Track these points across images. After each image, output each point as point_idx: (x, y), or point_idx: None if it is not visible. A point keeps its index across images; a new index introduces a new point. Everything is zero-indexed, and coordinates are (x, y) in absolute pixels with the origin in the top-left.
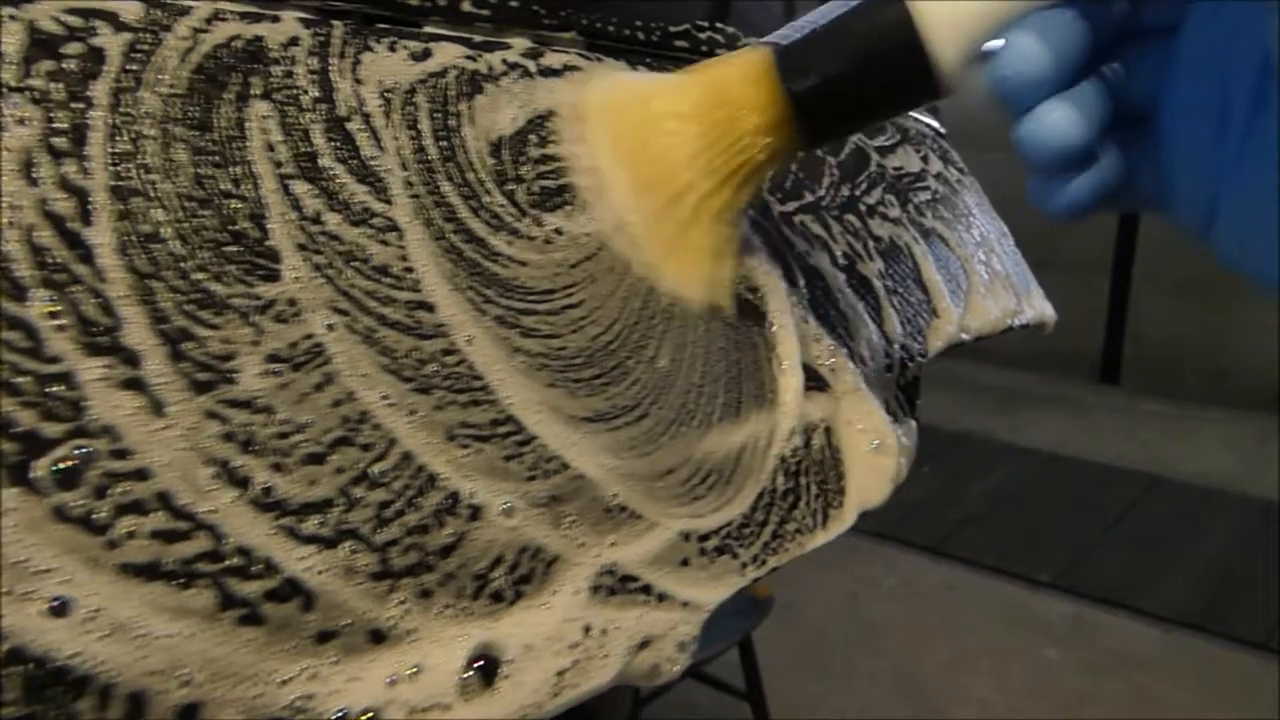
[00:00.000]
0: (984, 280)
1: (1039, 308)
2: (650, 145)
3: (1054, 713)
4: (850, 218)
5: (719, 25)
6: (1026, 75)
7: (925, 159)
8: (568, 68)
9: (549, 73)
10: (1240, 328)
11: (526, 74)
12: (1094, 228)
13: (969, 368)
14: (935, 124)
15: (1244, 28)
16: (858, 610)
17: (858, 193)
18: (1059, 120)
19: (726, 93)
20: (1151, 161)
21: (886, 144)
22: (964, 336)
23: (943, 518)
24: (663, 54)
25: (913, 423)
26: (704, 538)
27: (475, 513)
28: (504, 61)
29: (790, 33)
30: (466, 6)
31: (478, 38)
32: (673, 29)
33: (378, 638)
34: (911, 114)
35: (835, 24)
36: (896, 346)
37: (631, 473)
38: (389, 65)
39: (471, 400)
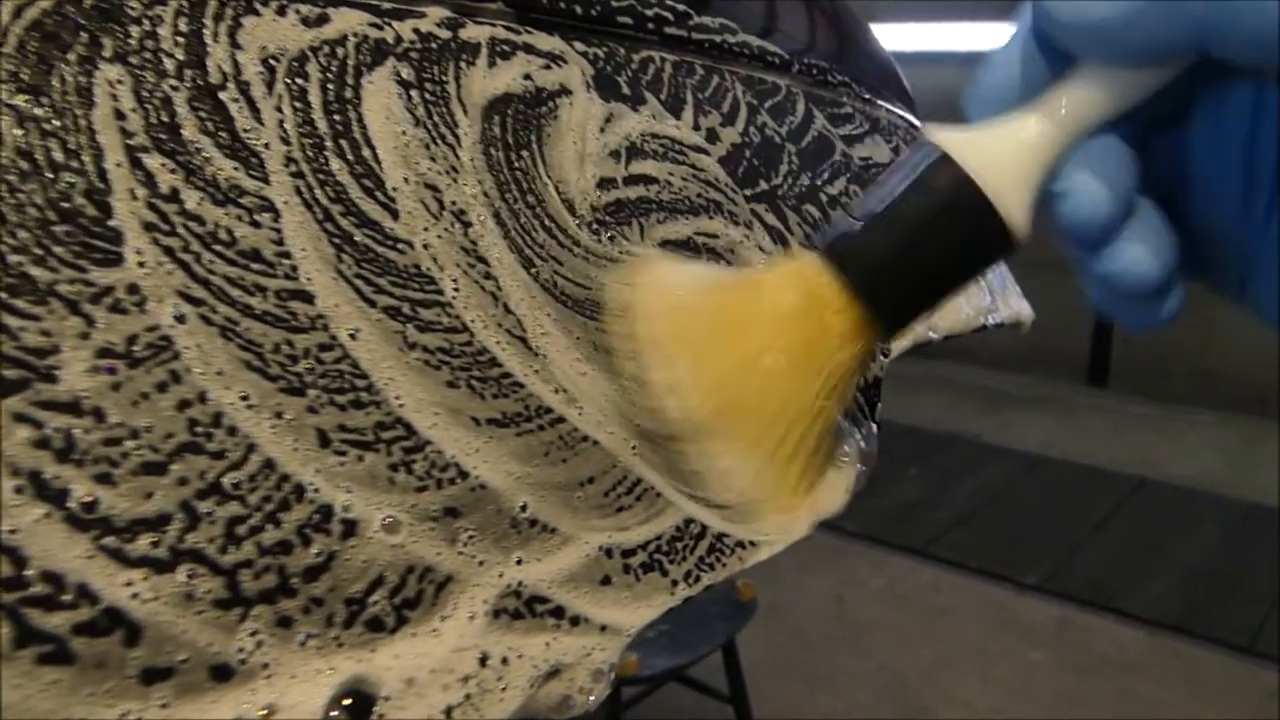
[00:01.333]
0: None
1: (1015, 306)
2: (747, 386)
3: (1039, 714)
4: (809, 208)
5: (669, 1)
6: (1103, 216)
7: (897, 150)
8: (495, 43)
9: (467, 48)
10: (1227, 330)
11: (444, 46)
12: None
13: (957, 369)
14: (910, 116)
15: (1256, 109)
16: (843, 612)
17: (819, 182)
18: (1145, 250)
19: (809, 307)
20: (1181, 237)
21: (854, 133)
22: (932, 335)
23: (930, 519)
24: (603, 30)
25: (873, 426)
26: (629, 553)
27: (350, 528)
28: (416, 32)
29: (846, 229)
30: None
31: (387, 4)
32: (615, 3)
33: (222, 674)
34: (884, 104)
35: (891, 212)
36: None
37: (545, 481)
38: (276, 30)
39: (353, 401)
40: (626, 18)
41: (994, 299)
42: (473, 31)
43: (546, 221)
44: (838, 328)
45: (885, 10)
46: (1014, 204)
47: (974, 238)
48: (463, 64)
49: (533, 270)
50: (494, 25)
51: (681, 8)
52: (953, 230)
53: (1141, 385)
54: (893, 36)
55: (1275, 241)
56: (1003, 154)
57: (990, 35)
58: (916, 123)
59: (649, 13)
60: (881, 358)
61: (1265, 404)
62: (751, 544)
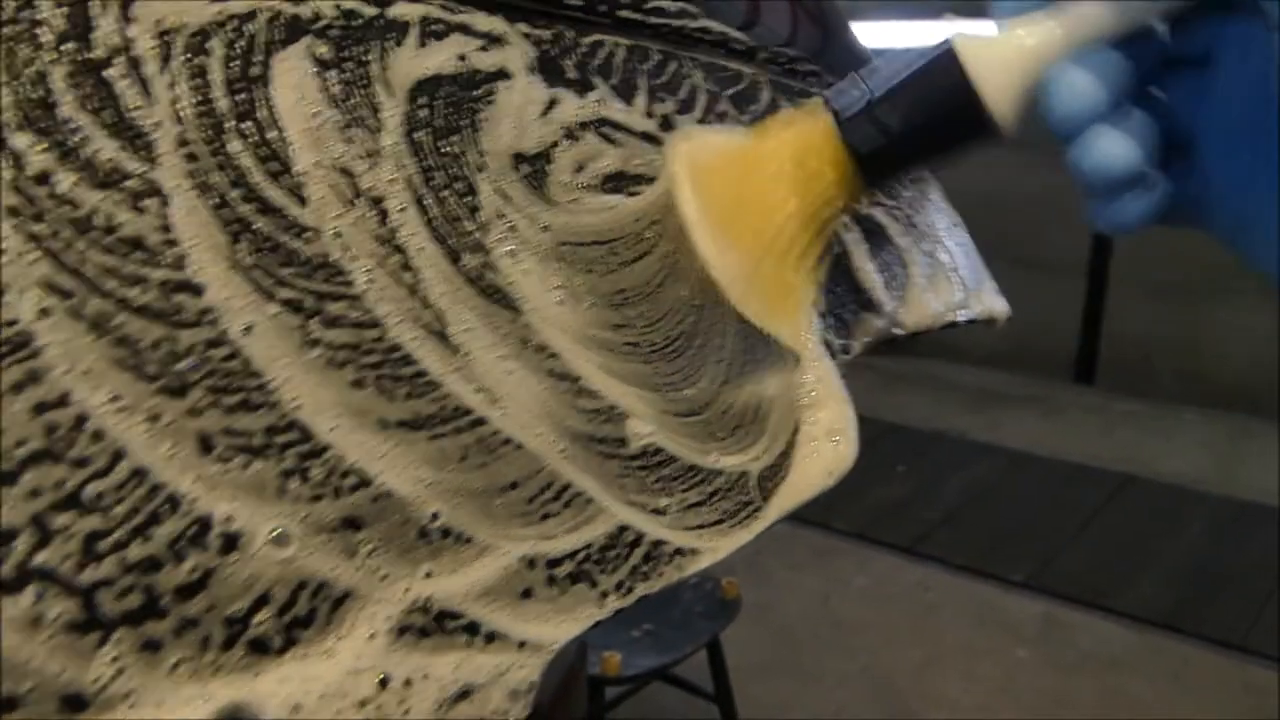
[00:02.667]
0: (924, 272)
1: (988, 303)
2: (751, 200)
3: (1025, 713)
4: None
5: None
6: (1078, 108)
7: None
8: (427, 22)
9: (395, 26)
10: (1214, 328)
11: (368, 24)
12: (1071, 229)
13: (944, 367)
14: None
15: (1272, 55)
16: (830, 611)
17: None
18: (1110, 147)
19: (807, 151)
20: (1195, 184)
21: None
22: (896, 331)
23: (917, 517)
24: (551, 12)
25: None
26: (554, 563)
27: (232, 542)
28: (337, 7)
29: (854, 93)
30: None
31: None
32: None
33: (75, 705)
34: None
35: (898, 88)
36: (818, 338)
37: (460, 488)
38: (176, 3)
39: (242, 403)
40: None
41: (966, 294)
42: (403, 9)
43: (476, 210)
44: (832, 175)
45: (869, 9)
46: (1001, 100)
47: (963, 125)
48: (389, 43)
49: (458, 262)
50: (428, 3)
51: None
52: (946, 116)
53: (1128, 383)
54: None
55: None
56: (1002, 55)
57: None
58: None
59: None
60: (841, 355)
61: (1253, 402)
62: (692, 551)
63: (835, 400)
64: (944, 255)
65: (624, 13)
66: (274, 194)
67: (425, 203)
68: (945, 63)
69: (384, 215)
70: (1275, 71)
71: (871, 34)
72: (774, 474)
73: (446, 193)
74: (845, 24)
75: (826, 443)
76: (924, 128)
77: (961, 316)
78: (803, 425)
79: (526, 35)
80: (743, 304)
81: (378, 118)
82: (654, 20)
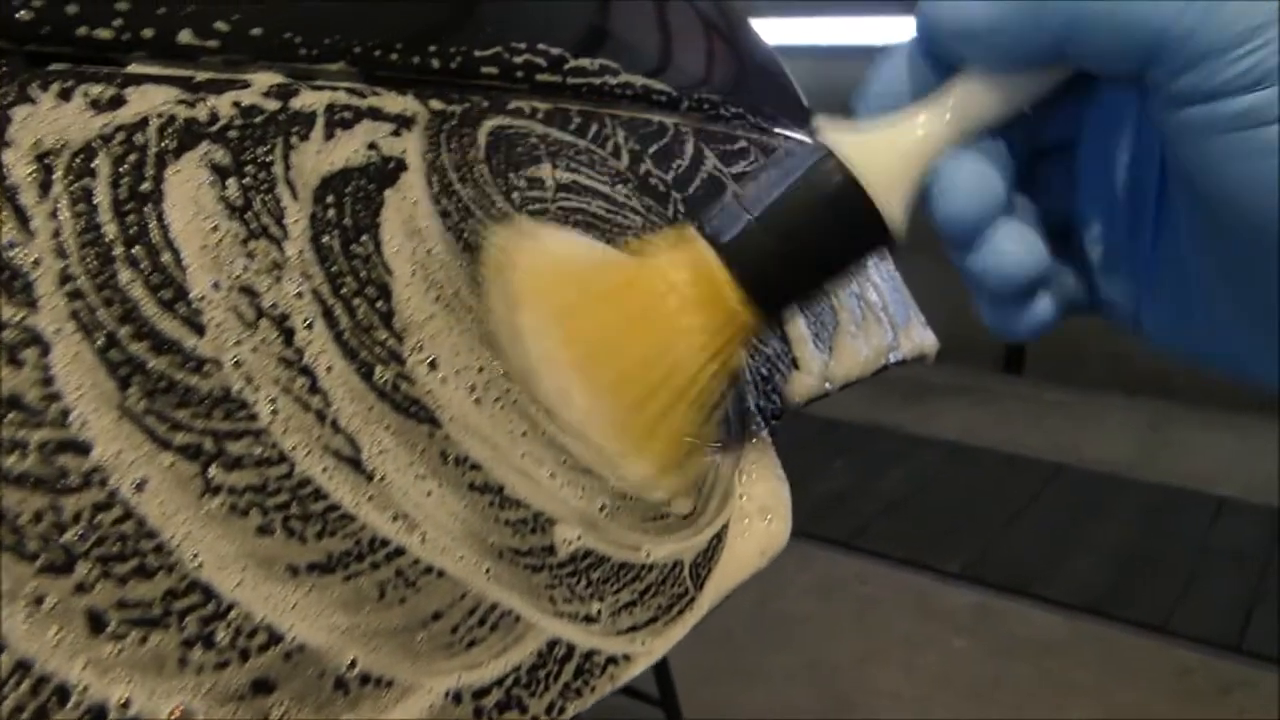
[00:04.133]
0: (855, 317)
1: (918, 339)
2: (626, 344)
3: (963, 700)
4: None
5: (541, 46)
6: (969, 211)
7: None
8: (334, 110)
9: (300, 119)
10: None
11: (270, 120)
12: None
13: None
14: (805, 138)
15: (1136, 135)
16: (772, 608)
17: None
18: (1016, 247)
19: (687, 288)
20: (1075, 273)
21: (747, 169)
22: (828, 387)
23: (857, 511)
24: (466, 83)
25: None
26: (481, 693)
27: None
28: (236, 105)
29: (732, 216)
30: (186, 38)
31: (201, 76)
32: (479, 52)
33: None
34: (781, 130)
35: (779, 204)
36: (750, 406)
37: (379, 629)
38: (56, 120)
39: (136, 569)
40: (492, 68)
41: (895, 334)
42: (307, 99)
43: (390, 316)
44: (715, 310)
45: (796, 7)
46: (893, 202)
47: (854, 233)
48: (294, 139)
49: (372, 377)
50: (334, 89)
51: (556, 52)
52: (834, 226)
53: (1056, 372)
54: (800, 31)
55: (1164, 263)
56: (886, 153)
57: (896, 30)
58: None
59: (518, 60)
60: (773, 420)
61: (1172, 388)
62: (625, 658)
63: (768, 476)
64: (872, 294)
65: (543, 76)
66: (168, 326)
67: (335, 315)
68: (827, 168)
69: (289, 335)
70: (1138, 147)
71: (798, 31)
72: (707, 559)
73: (358, 300)
74: (760, 45)
75: (759, 521)
76: (812, 243)
77: (893, 359)
78: (734, 501)
79: (439, 112)
80: (628, 464)
81: (282, 225)
82: (574, 81)
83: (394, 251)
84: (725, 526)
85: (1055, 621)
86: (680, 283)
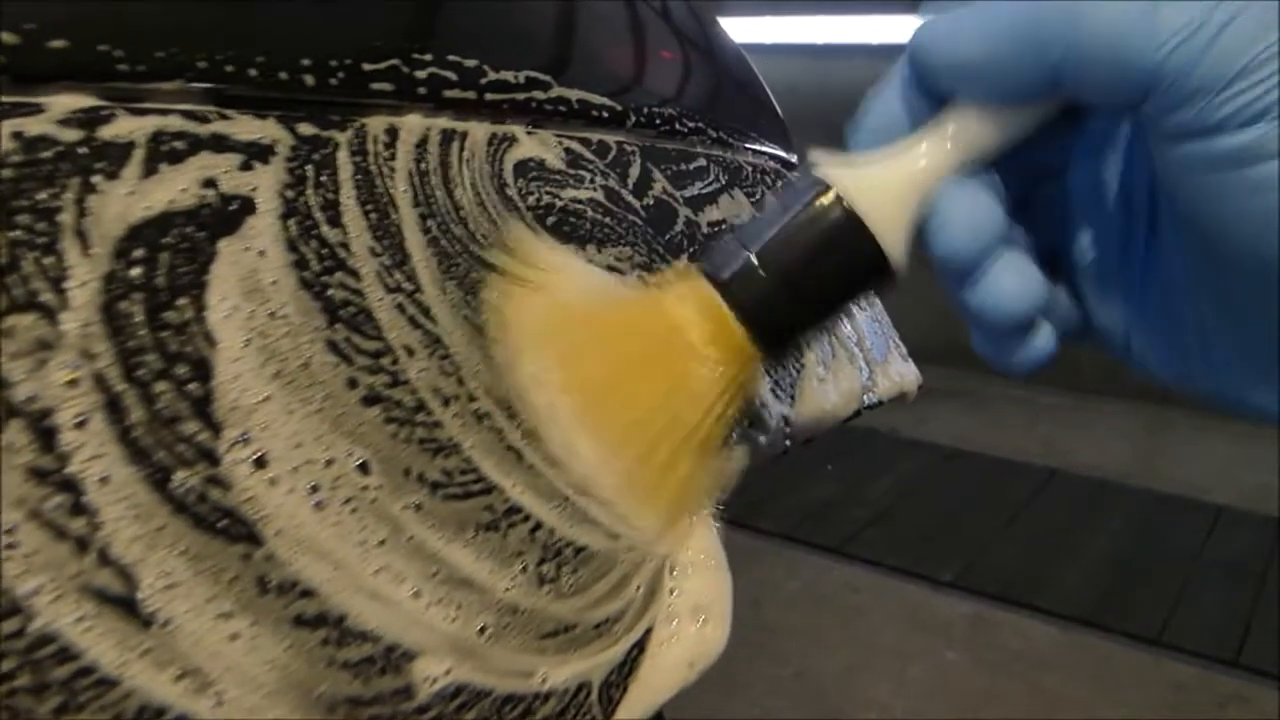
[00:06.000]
0: (823, 357)
1: (897, 377)
2: (626, 387)
3: (952, 714)
4: None
5: (452, 57)
6: (970, 245)
7: (760, 203)
8: (161, 140)
9: (109, 153)
10: None
11: (64, 155)
12: None
13: None
14: (782, 152)
15: (1128, 157)
16: (759, 616)
17: (655, 263)
18: (1013, 282)
19: (686, 330)
20: (1065, 303)
21: (704, 191)
22: (787, 444)
23: (846, 517)
24: (352, 102)
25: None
26: None
27: None
28: (17, 137)
29: (732, 255)
30: None
31: None
32: (369, 65)
33: None
34: (751, 145)
35: (778, 242)
36: None
37: None
38: None
39: None
40: (385, 83)
41: (871, 373)
42: (124, 127)
43: (206, 401)
44: (720, 351)
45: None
46: (893, 238)
47: (855, 269)
48: (96, 177)
49: (167, 485)
50: (165, 113)
51: (470, 64)
52: (835, 262)
53: (1051, 375)
54: (801, 29)
55: (1156, 291)
56: (885, 188)
57: (901, 27)
58: (790, 158)
59: (420, 75)
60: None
61: (1169, 394)
62: None
63: (707, 567)
64: (845, 327)
65: (452, 93)
66: None
67: (122, 406)
68: (826, 203)
69: (48, 437)
70: (1129, 174)
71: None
72: (622, 676)
73: (161, 384)
74: (725, 47)
75: (690, 623)
76: (813, 280)
77: (867, 401)
78: (663, 599)
79: (310, 139)
80: (637, 519)
81: (60, 291)
82: (493, 97)
83: (222, 317)
84: (649, 632)
85: (1048, 633)
86: (682, 323)
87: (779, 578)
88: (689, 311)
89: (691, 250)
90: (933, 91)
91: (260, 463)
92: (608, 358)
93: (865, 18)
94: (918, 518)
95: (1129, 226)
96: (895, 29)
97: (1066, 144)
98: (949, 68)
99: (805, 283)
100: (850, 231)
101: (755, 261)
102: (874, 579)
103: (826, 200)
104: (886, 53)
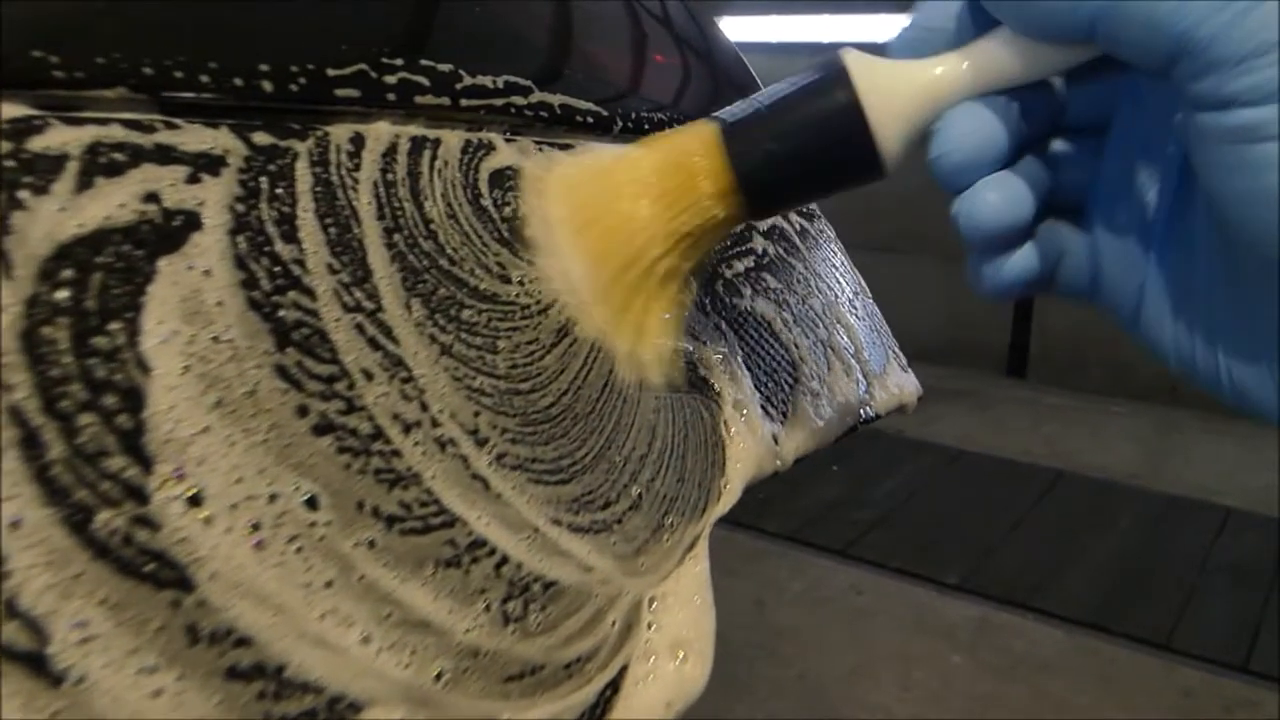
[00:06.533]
0: (818, 370)
1: (896, 389)
2: (608, 211)
3: (957, 719)
4: None
5: (425, 61)
6: (961, 157)
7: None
8: (99, 151)
9: (39, 166)
10: None
11: None
12: None
13: None
14: None
15: (1164, 129)
16: (763, 618)
17: None
18: (991, 200)
19: (679, 162)
20: (1081, 253)
21: None
22: (778, 465)
23: (851, 519)
24: (315, 109)
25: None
26: None
27: None
28: None
29: (740, 109)
30: None
31: None
32: (333, 71)
33: None
34: None
35: (782, 104)
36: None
37: None
38: None
39: None
40: (351, 90)
41: (869, 386)
42: (57, 138)
43: (136, 434)
44: (707, 189)
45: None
46: (890, 130)
47: (846, 152)
48: (23, 193)
49: (87, 527)
50: (105, 122)
51: (445, 69)
52: (828, 140)
53: (1059, 376)
54: (806, 28)
55: (1172, 266)
56: (895, 84)
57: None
58: None
59: (390, 80)
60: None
61: (1177, 394)
62: None
63: (690, 601)
64: (842, 337)
65: (425, 99)
66: None
67: (40, 440)
68: (834, 83)
69: None
70: (1166, 145)
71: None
72: (595, 718)
73: (86, 417)
74: (720, 46)
75: (669, 661)
76: (805, 150)
77: (865, 415)
78: (640, 634)
79: (266, 148)
80: (602, 322)
81: None
82: (469, 103)
83: (158, 342)
84: (624, 670)
85: (1054, 637)
86: (680, 154)
87: (783, 579)
88: (689, 145)
89: None
90: (975, 14)
91: (195, 500)
92: (594, 192)
93: (870, 16)
94: (923, 520)
95: (1158, 189)
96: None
97: (1110, 101)
98: None
99: (798, 150)
100: (849, 115)
101: (760, 114)
102: (878, 581)
103: (835, 81)
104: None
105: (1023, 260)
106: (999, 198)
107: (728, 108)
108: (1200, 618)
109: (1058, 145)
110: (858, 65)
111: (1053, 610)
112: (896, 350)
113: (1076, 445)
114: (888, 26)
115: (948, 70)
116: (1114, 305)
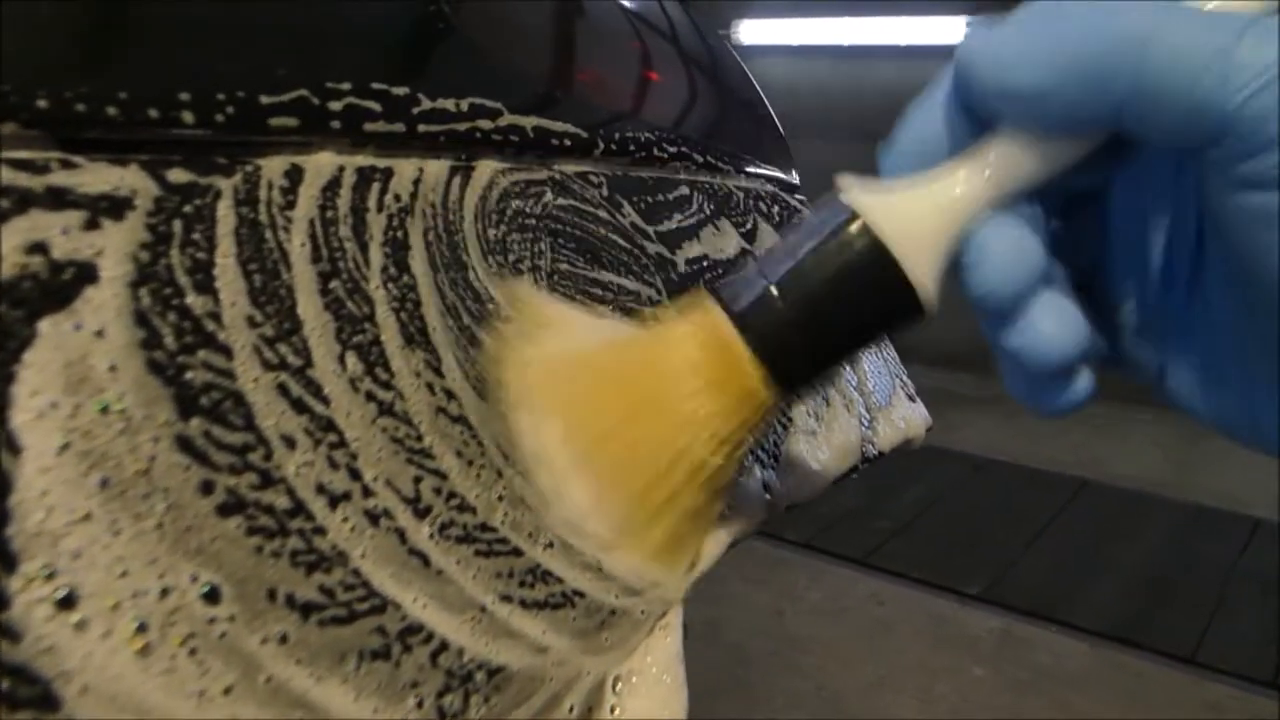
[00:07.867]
0: (816, 407)
1: (901, 422)
2: (631, 424)
3: None
4: None
5: (376, 85)
6: (1009, 289)
7: (752, 232)
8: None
9: None
10: None
11: None
12: None
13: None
14: (781, 174)
15: (1166, 198)
16: (782, 627)
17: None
18: (1054, 327)
19: (699, 363)
20: (1101, 324)
21: (683, 224)
22: (768, 517)
23: (872, 527)
24: (245, 141)
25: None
26: None
27: None
28: None
29: (746, 282)
30: None
31: None
32: (267, 98)
33: None
34: (747, 168)
35: (798, 269)
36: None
37: None
38: None
39: None
40: (288, 118)
41: (871, 422)
42: None
43: (6, 522)
44: (736, 386)
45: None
46: (923, 271)
47: (881, 305)
48: None
49: None
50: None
51: (400, 92)
52: (859, 296)
53: None
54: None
55: (1196, 328)
56: (917, 217)
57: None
58: (792, 180)
59: (334, 107)
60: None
61: None
62: None
63: (660, 681)
64: (844, 369)
65: (375, 125)
66: None
67: None
68: (852, 232)
69: None
70: (1176, 207)
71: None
72: None
73: None
74: (723, 62)
75: None
76: (835, 314)
77: (868, 454)
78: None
79: (182, 188)
80: (631, 557)
81: None
82: (427, 129)
83: (32, 417)
84: None
85: (1078, 650)
86: (692, 359)
87: (802, 588)
88: (699, 345)
89: (655, 288)
90: (977, 114)
91: (67, 601)
92: (610, 401)
93: (893, 19)
94: (945, 529)
95: (1172, 260)
96: (922, 30)
97: (1106, 166)
98: (999, 93)
99: (827, 318)
100: (877, 263)
101: (774, 292)
102: (899, 591)
103: (853, 229)
104: (914, 54)
105: (1085, 380)
106: (1055, 328)
107: (732, 283)
108: (1228, 631)
109: (1065, 215)
110: (871, 205)
111: (1077, 622)
112: (905, 379)
113: (1103, 454)
114: (907, 29)
115: (968, 190)
116: (1136, 371)
